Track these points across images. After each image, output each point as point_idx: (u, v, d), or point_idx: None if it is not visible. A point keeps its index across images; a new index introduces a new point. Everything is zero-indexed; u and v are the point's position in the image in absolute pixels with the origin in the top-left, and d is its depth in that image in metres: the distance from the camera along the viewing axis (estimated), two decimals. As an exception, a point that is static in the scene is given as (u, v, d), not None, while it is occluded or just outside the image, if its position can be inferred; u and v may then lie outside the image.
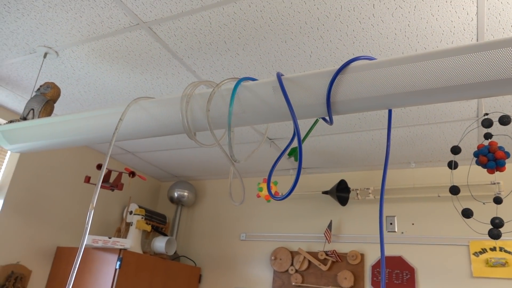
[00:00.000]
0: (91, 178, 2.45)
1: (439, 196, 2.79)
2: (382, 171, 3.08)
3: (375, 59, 1.08)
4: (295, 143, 2.53)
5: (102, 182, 2.30)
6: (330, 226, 3.02)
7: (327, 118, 1.16)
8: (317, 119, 2.23)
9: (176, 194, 3.67)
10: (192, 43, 1.85)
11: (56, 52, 2.04)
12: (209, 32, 1.76)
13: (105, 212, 3.44)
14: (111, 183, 2.22)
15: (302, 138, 2.39)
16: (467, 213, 1.76)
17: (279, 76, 1.14)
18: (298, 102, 1.16)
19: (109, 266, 2.73)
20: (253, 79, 1.25)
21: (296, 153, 2.00)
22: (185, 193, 3.68)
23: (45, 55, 2.06)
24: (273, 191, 2.57)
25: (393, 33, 1.65)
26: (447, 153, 2.70)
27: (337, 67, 1.10)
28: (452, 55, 0.95)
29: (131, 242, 2.97)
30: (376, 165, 3.03)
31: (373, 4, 1.51)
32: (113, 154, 3.46)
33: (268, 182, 1.24)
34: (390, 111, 1.14)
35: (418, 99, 1.06)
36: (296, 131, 1.05)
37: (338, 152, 2.90)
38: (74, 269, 1.08)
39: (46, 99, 1.85)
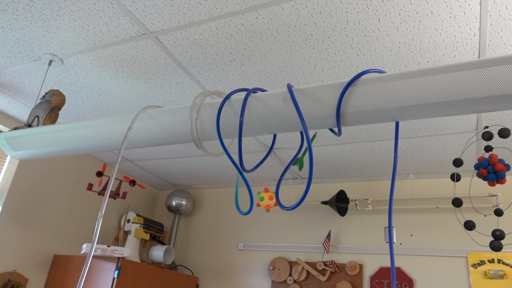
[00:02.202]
0: (92, 185, 2.45)
1: (437, 207, 2.81)
2: (381, 182, 3.11)
3: (384, 72, 1.11)
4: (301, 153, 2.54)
5: (103, 190, 2.29)
6: (329, 236, 3.03)
7: (335, 129, 1.18)
8: (315, 133, 2.25)
9: (174, 203, 3.66)
10: (198, 53, 1.87)
11: (61, 59, 2.05)
12: (215, 43, 1.79)
13: (102, 220, 3.42)
14: (114, 191, 2.22)
15: (302, 151, 2.41)
16: (469, 226, 1.78)
17: (290, 88, 1.16)
18: (308, 113, 1.18)
19: (108, 275, 2.71)
20: (263, 90, 1.27)
21: (301, 162, 2.02)
22: (183, 202, 3.67)
23: (50, 62, 2.07)
24: (274, 201, 2.58)
25: (397, 46, 1.68)
26: (446, 164, 2.73)
27: (347, 79, 1.12)
28: (462, 69, 0.98)
29: (130, 250, 2.95)
30: (375, 176, 3.06)
31: (379, 18, 1.55)
32: (111, 161, 3.45)
33: (277, 192, 1.25)
34: (397, 124, 1.17)
35: (427, 112, 1.08)
36: (308, 142, 1.07)
37: (338, 162, 2.92)
38: (82, 278, 1.08)
39: (51, 106, 1.85)
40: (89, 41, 1.88)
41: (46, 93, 1.89)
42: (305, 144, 2.66)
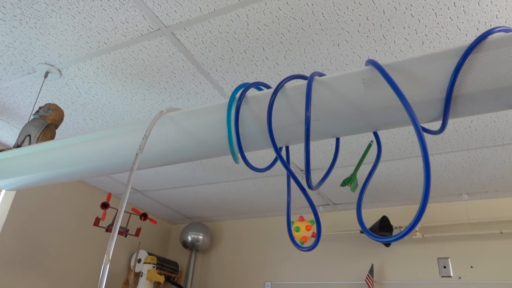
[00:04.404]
0: (99, 220, 2.07)
1: (501, 232, 2.39)
2: (430, 205, 2.70)
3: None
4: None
5: (112, 225, 1.92)
6: (371, 271, 2.60)
7: (428, 127, 0.82)
8: (370, 143, 1.87)
9: (190, 238, 3.26)
10: (222, 51, 1.54)
11: (59, 70, 1.73)
12: (245, 37, 1.46)
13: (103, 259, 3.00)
14: (124, 227, 1.85)
15: (355, 168, 2.03)
16: None
17: (376, 63, 0.80)
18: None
19: (116, 327, 2.28)
20: (322, 74, 0.92)
21: (355, 180, 1.63)
22: (200, 237, 3.27)
23: (46, 74, 1.75)
24: (311, 232, 2.19)
25: (475, 27, 1.34)
26: (509, 181, 2.33)
27: (460, 44, 0.76)
28: None
29: (142, 296, 2.54)
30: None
31: (457, -11, 1.21)
32: (118, 193, 3.08)
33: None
34: None
35: None
36: (419, 136, 0.70)
37: (380, 183, 2.53)
38: None
39: (46, 123, 1.51)
40: (92, 44, 1.56)
41: (40, 108, 1.56)
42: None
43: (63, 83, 1.81)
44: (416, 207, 2.72)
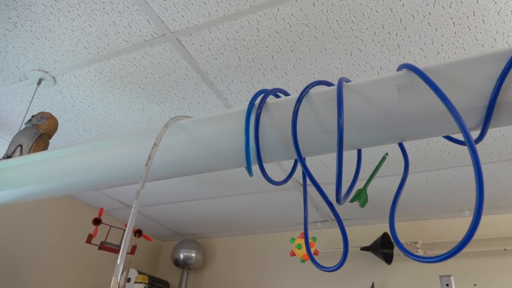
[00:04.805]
0: (92, 237, 1.94)
1: (505, 249, 2.34)
2: (431, 221, 2.64)
3: None
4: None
5: (106, 242, 1.80)
6: (372, 289, 2.51)
7: (460, 136, 0.76)
8: (385, 155, 1.82)
9: (182, 256, 3.13)
10: (229, 59, 1.47)
11: (53, 77, 1.64)
12: (254, 44, 1.39)
13: (95, 280, 2.86)
14: (117, 244, 1.73)
15: (366, 182, 1.97)
16: None
17: (414, 67, 0.74)
18: (436, 106, 0.76)
19: None
20: (348, 80, 0.85)
21: (365, 196, 1.57)
22: (193, 254, 3.14)
23: (40, 81, 1.66)
24: (312, 250, 2.10)
25: (492, 38, 1.30)
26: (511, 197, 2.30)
27: (509, 47, 0.71)
28: None
29: (133, 318, 2.40)
30: (426, 214, 2.60)
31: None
32: (108, 209, 2.95)
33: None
34: None
35: None
36: (469, 143, 0.63)
37: (381, 199, 2.47)
38: None
39: (39, 133, 1.41)
40: (91, 49, 1.47)
41: (33, 116, 1.46)
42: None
43: (57, 91, 1.72)
44: (418, 223, 2.67)
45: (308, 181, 2.29)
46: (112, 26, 1.37)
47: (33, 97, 1.70)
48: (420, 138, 0.85)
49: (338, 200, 0.80)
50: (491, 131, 1.74)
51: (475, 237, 2.40)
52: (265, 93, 0.89)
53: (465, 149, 1.88)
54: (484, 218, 2.51)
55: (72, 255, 2.67)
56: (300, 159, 0.82)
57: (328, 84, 0.90)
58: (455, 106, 0.67)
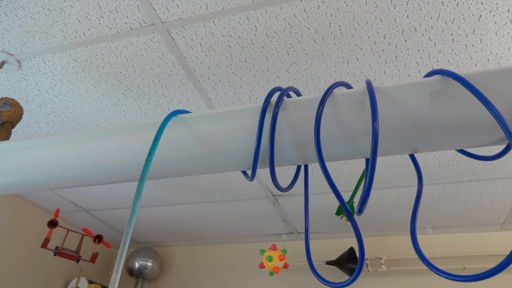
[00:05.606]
0: (49, 241, 1.73)
1: (464, 267, 2.41)
2: (395, 237, 2.67)
3: None
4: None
5: (63, 248, 1.62)
6: (336, 305, 2.48)
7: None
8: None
9: (137, 265, 2.94)
10: (220, 57, 1.39)
11: (18, 61, 1.47)
12: (250, 43, 1.32)
13: (42, 286, 2.60)
14: (74, 250, 1.57)
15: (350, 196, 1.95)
16: None
17: (453, 73, 0.71)
18: (473, 115, 0.73)
19: None
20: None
21: (351, 207, 1.53)
22: (149, 263, 2.96)
23: (2, 64, 1.48)
24: (282, 263, 2.03)
25: (486, 58, 1.32)
26: (475, 216, 2.37)
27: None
28: None
29: (82, 332, 2.19)
30: (391, 230, 2.62)
31: (480, 16, 1.19)
32: (62, 212, 2.72)
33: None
34: None
35: None
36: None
37: (349, 214, 2.46)
38: None
39: (1, 121, 1.25)
40: (67, 33, 1.33)
41: (-6, 101, 1.29)
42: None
43: (20, 77, 1.54)
44: (382, 239, 2.69)
45: (278, 192, 2.23)
46: (96, 9, 1.24)
47: (-9, 81, 1.52)
48: (438, 150, 0.82)
49: (360, 211, 0.74)
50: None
51: (435, 255, 2.45)
52: (282, 90, 0.83)
53: (439, 168, 1.91)
54: (445, 237, 2.59)
55: (18, 259, 2.42)
56: (322, 163, 0.75)
57: (348, 86, 0.85)
58: (502, 115, 0.64)
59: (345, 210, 0.78)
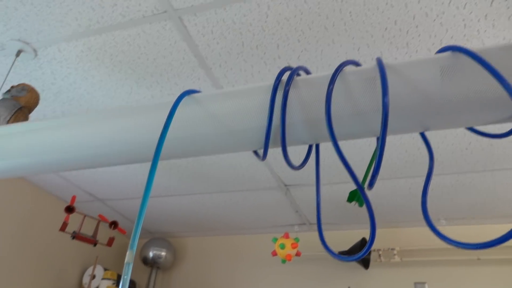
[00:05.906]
0: (67, 225, 1.77)
1: (478, 259, 2.39)
2: (408, 229, 2.66)
3: None
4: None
5: (80, 232, 1.66)
6: (347, 295, 2.49)
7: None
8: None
9: (151, 254, 2.99)
10: (232, 45, 1.40)
11: (34, 50, 1.51)
12: (261, 30, 1.33)
13: (57, 276, 2.66)
14: (91, 235, 1.60)
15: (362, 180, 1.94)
16: None
17: (463, 48, 0.71)
18: (484, 90, 0.73)
19: None
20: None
21: (359, 196, 1.53)
22: (163, 253, 3.01)
23: (18, 53, 1.52)
24: (295, 251, 2.05)
25: (506, 41, 1.31)
26: (490, 208, 2.35)
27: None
28: None
29: (97, 318, 2.24)
30: (403, 221, 2.61)
31: (492, 0, 1.17)
32: (77, 201, 2.77)
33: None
34: None
35: None
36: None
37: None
38: None
39: (19, 106, 1.28)
40: (82, 21, 1.36)
41: (12, 87, 1.32)
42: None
43: (36, 65, 1.58)
44: (395, 230, 2.68)
45: (290, 182, 2.24)
46: (110, -3, 1.27)
47: (9, 70, 1.56)
48: (448, 128, 0.82)
49: (371, 184, 0.75)
50: (482, 140, 1.76)
51: (449, 246, 2.44)
52: (293, 69, 0.84)
53: (452, 157, 1.90)
54: (459, 228, 2.57)
55: (33, 245, 2.48)
56: (334, 139, 0.76)
57: (357, 64, 0.85)
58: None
59: (357, 186, 0.78)
